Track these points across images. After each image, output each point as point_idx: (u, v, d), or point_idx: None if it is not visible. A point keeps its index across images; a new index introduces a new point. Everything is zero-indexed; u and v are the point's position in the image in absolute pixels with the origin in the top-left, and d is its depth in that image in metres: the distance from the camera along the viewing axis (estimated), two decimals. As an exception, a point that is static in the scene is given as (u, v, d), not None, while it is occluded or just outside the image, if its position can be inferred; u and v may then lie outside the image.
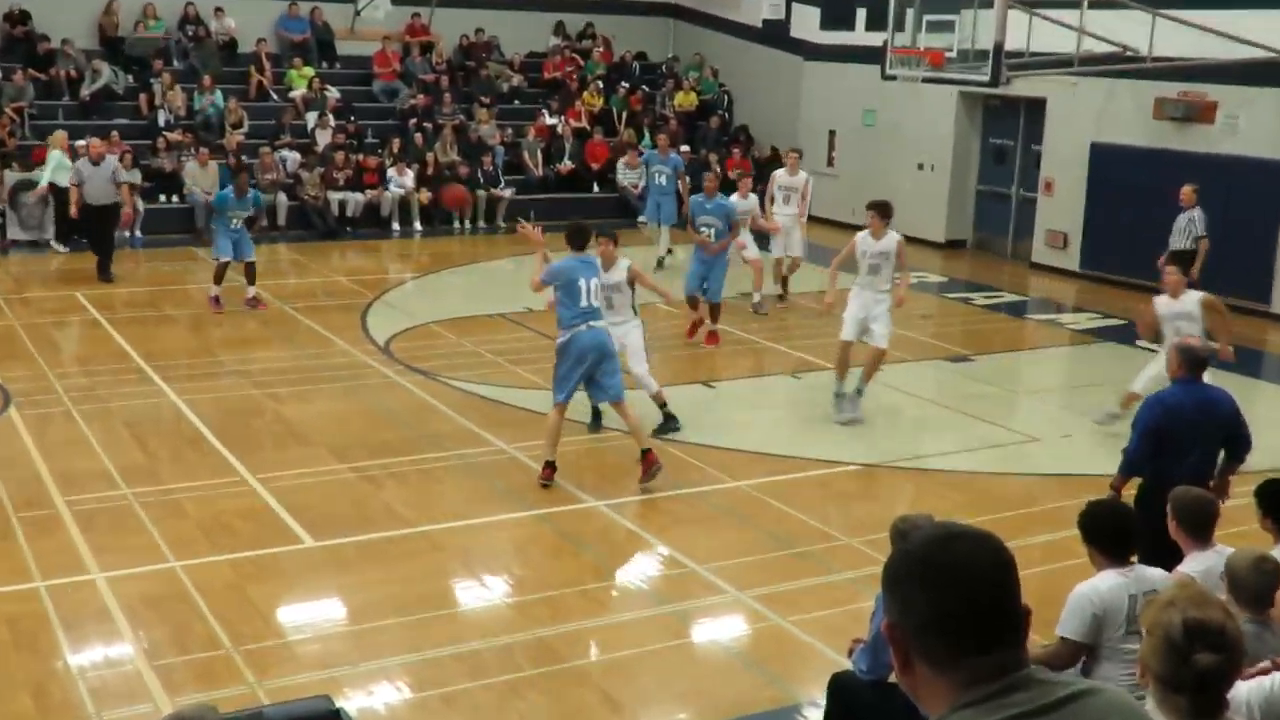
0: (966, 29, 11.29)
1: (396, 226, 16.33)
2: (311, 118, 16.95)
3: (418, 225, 16.42)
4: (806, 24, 18.29)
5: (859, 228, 9.08)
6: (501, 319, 11.68)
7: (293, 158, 16.28)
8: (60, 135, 14.12)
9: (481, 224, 16.77)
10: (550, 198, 17.09)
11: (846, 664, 4.57)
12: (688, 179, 14.27)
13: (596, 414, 8.44)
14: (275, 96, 17.52)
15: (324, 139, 16.62)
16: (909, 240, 9.45)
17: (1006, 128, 15.87)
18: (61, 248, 14.02)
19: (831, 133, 17.83)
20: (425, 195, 16.42)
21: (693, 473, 7.74)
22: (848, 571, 6.32)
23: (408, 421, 8.62)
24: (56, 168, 13.62)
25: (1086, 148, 14.29)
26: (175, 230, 15.22)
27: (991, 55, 11.11)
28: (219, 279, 11.56)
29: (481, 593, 6.08)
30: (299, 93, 17.36)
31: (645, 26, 20.90)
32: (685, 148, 17.72)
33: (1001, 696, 1.51)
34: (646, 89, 19.83)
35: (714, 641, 5.72)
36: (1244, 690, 3.06)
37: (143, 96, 16.54)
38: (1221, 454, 5.67)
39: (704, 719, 5.09)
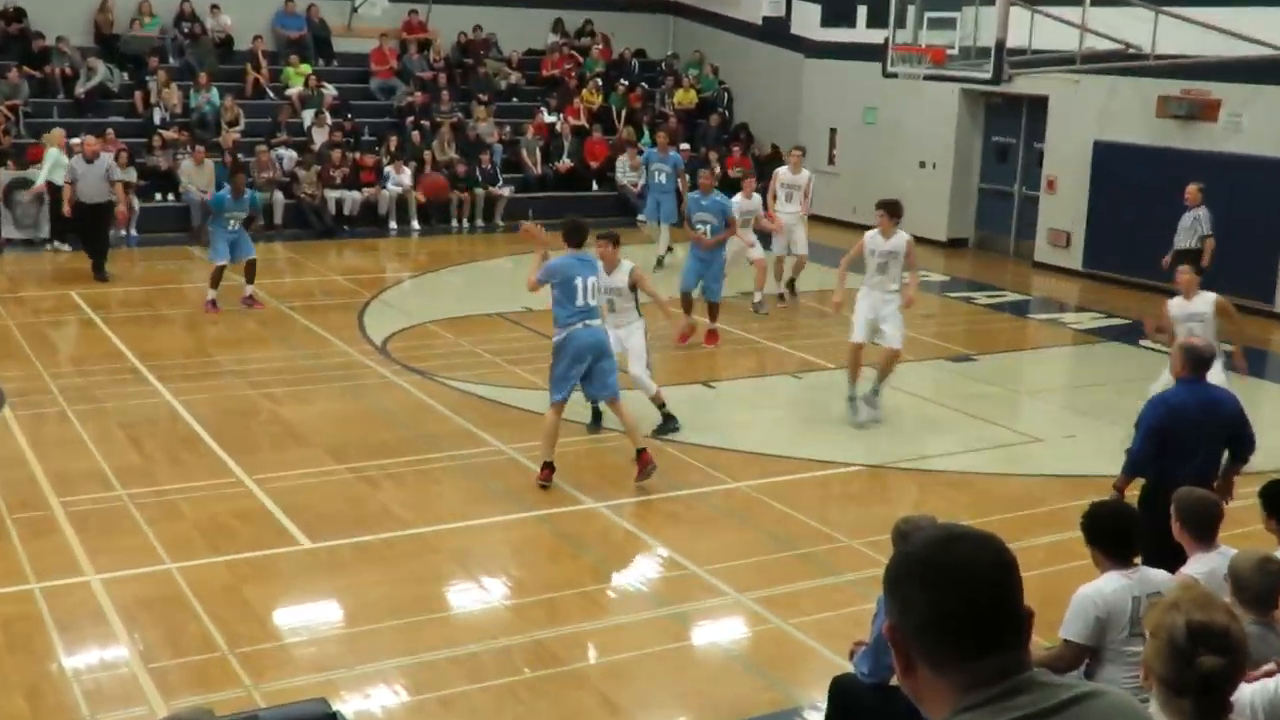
0: (968, 26, 11.24)
1: (394, 225, 16.28)
2: (308, 115, 16.89)
3: (415, 224, 16.37)
4: (807, 21, 18.23)
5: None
6: (499, 318, 11.65)
7: (289, 156, 16.22)
8: (58, 133, 14.05)
9: (479, 222, 16.73)
10: (549, 196, 17.05)
11: (847, 667, 4.55)
12: (687, 177, 14.22)
13: (596, 414, 8.41)
14: (271, 94, 17.46)
15: (321, 137, 16.56)
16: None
17: (1009, 126, 15.83)
18: (65, 247, 13.89)
19: (832, 131, 17.79)
20: (423, 194, 16.37)
21: (692, 473, 7.71)
22: (849, 573, 6.29)
23: (405, 422, 8.58)
24: (53, 166, 13.53)
25: (1089, 146, 14.24)
26: (171, 229, 15.17)
27: (993, 52, 11.07)
28: (215, 283, 11.50)
29: (479, 595, 6.05)
30: (295, 90, 17.30)
31: (644, 23, 20.85)
32: (685, 146, 17.66)
33: (1004, 699, 1.50)
34: (646, 86, 19.77)
35: (714, 644, 5.69)
36: (1248, 693, 3.05)
37: (138, 94, 16.48)
38: (1225, 455, 5.64)
39: (704, 722, 5.06)
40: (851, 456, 8.15)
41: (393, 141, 16.59)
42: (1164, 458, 5.41)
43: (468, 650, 5.38)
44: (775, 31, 18.87)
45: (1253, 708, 3.06)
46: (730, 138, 18.74)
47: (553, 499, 7.22)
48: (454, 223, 16.61)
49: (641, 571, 6.51)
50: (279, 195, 15.66)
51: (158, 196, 15.45)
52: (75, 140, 13.63)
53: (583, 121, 18.48)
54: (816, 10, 18.08)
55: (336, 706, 4.78)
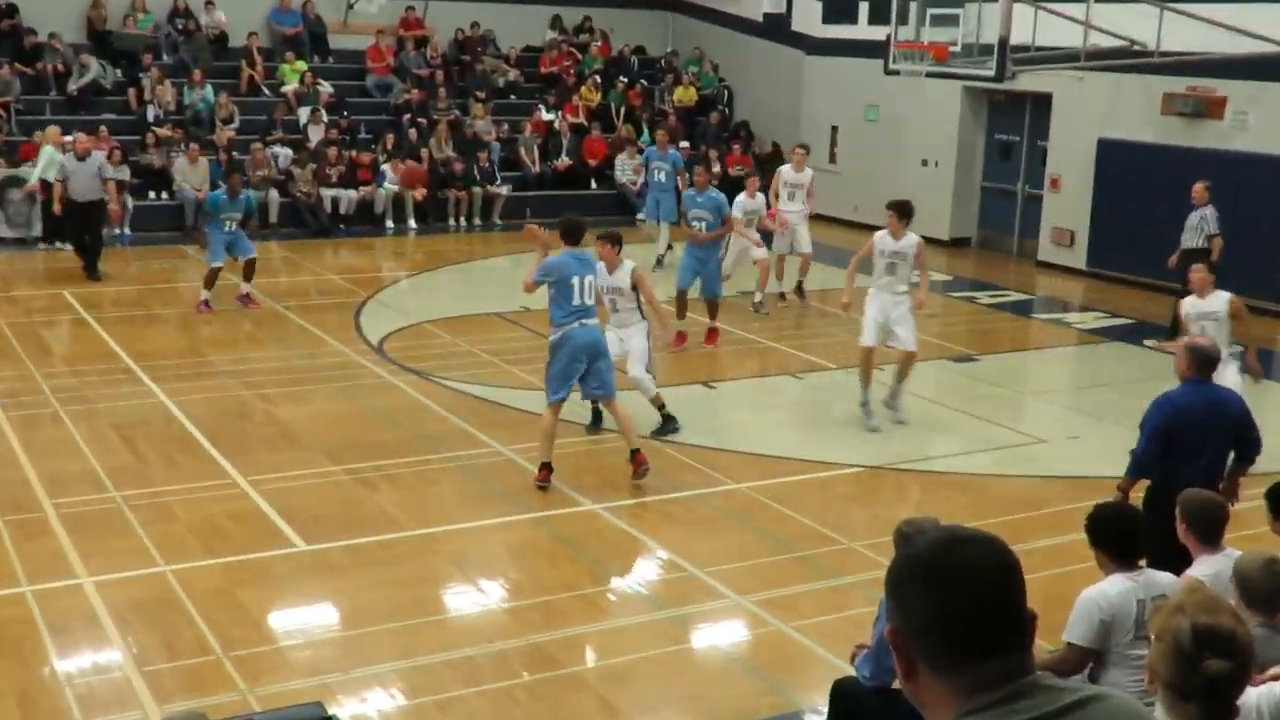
0: (971, 23, 11.21)
1: (390, 224, 16.22)
2: (304, 113, 16.82)
3: (412, 223, 16.31)
4: (808, 17, 18.15)
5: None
6: (497, 318, 11.60)
7: (285, 154, 16.14)
8: (53, 131, 13.93)
9: (477, 221, 16.67)
10: (547, 194, 16.98)
11: (849, 670, 4.53)
12: (687, 175, 14.17)
13: (597, 415, 8.36)
14: (267, 91, 17.39)
15: (316, 135, 16.49)
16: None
17: (1012, 123, 15.76)
18: (67, 246, 13.63)
19: (834, 128, 17.71)
20: (420, 192, 16.30)
21: (692, 475, 7.68)
22: (850, 576, 6.26)
23: (402, 423, 8.54)
24: (48, 164, 13.42)
25: (1093, 144, 14.16)
26: (165, 228, 15.09)
27: (996, 50, 11.04)
28: (210, 283, 11.43)
29: (477, 597, 6.02)
30: (291, 87, 17.21)
31: (644, 20, 20.78)
32: (685, 144, 17.60)
33: (1007, 703, 1.49)
34: (645, 84, 19.69)
35: (714, 647, 5.67)
36: (1254, 696, 3.03)
37: (132, 91, 16.39)
38: (1231, 456, 5.60)
39: (704, 727, 5.03)
40: (853, 458, 8.12)
41: (389, 139, 16.51)
42: (1169, 459, 5.39)
43: (465, 654, 5.35)
44: (776, 28, 18.79)
45: (1259, 711, 3.04)
46: (730, 136, 18.68)
47: (551, 500, 7.18)
48: (451, 221, 16.54)
49: (640, 574, 6.48)
50: (274, 194, 15.58)
51: (151, 195, 15.37)
52: (68, 138, 13.53)
53: (581, 119, 18.41)
54: (818, 7, 18.01)
55: (332, 710, 4.75)
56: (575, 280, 7.18)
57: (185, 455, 7.74)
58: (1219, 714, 2.48)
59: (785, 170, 12.63)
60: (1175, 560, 4.38)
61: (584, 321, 7.20)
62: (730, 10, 19.68)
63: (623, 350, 8.05)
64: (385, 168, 16.31)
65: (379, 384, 9.44)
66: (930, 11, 11.65)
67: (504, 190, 16.86)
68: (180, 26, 17.43)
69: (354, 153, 16.35)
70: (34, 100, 15.92)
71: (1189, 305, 7.71)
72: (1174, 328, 10.45)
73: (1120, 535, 4.13)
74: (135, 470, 7.44)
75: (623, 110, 18.89)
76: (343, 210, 16.02)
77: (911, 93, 15.58)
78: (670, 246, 13.89)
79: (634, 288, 8.02)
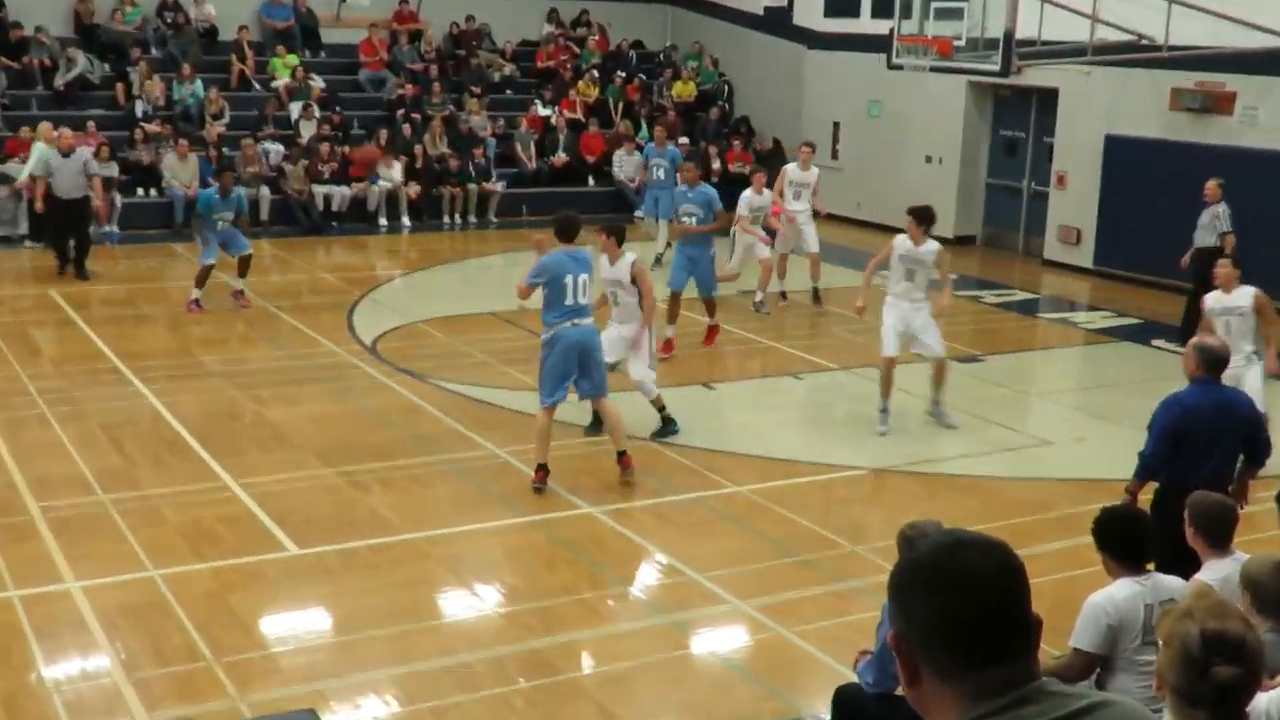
0: (976, 16, 11.15)
1: (384, 221, 16.12)
2: (295, 108, 16.70)
3: (406, 220, 16.21)
4: (810, 11, 18.04)
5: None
6: (492, 317, 11.52)
7: (276, 150, 16.01)
8: (45, 127, 13.72)
9: (472, 219, 16.58)
10: (543, 191, 16.88)
11: (852, 676, 4.49)
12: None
13: (596, 417, 8.26)
14: (258, 86, 17.26)
15: (308, 130, 16.37)
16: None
17: (1017, 119, 15.66)
18: (39, 245, 13.50)
19: (836, 124, 17.63)
20: (414, 189, 16.18)
21: (692, 477, 7.63)
22: (853, 580, 6.22)
23: (396, 424, 8.48)
24: (39, 161, 13.25)
25: (1100, 140, 14.06)
26: (153, 225, 14.98)
27: (1002, 44, 10.99)
28: (201, 283, 11.33)
29: (472, 602, 5.98)
30: (282, 82, 17.09)
31: (642, 13, 20.69)
32: (684, 140, 17.52)
33: (1012, 710, 1.49)
34: (643, 78, 19.60)
35: (713, 653, 5.63)
36: (1263, 701, 3.02)
37: (119, 86, 16.24)
38: (1241, 458, 5.56)
39: (704, 734, 5.00)
40: (855, 460, 8.07)
41: (383, 135, 16.40)
42: (1178, 460, 5.37)
43: (461, 659, 5.32)
44: (777, 22, 18.68)
45: (1268, 716, 3.04)
46: (731, 132, 18.61)
47: (548, 503, 7.13)
48: (446, 219, 16.44)
49: (639, 578, 6.45)
50: (265, 190, 15.46)
51: (140, 192, 15.24)
52: (54, 134, 13.36)
53: (578, 115, 18.31)
54: (819, 0, 17.91)
55: (325, 718, 4.69)
56: (569, 279, 7.12)
57: (175, 457, 7.67)
58: (1228, 720, 2.45)
59: (791, 169, 12.48)
60: (1184, 564, 4.36)
61: (576, 322, 7.15)
62: (730, 3, 19.58)
63: (620, 353, 7.97)
64: (379, 164, 16.19)
65: (372, 384, 9.37)
66: (934, 5, 11.58)
67: (499, 187, 16.77)
68: (169, 20, 17.30)
69: (346, 149, 16.25)
70: (20, 95, 15.79)
71: (1213, 300, 7.65)
72: (1185, 327, 10.40)
73: (1127, 538, 4.10)
74: (124, 472, 7.38)
75: (621, 105, 18.81)
76: (335, 207, 15.91)
77: (915, 88, 15.51)
78: (670, 244, 13.79)
79: (634, 281, 7.93)
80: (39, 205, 12.63)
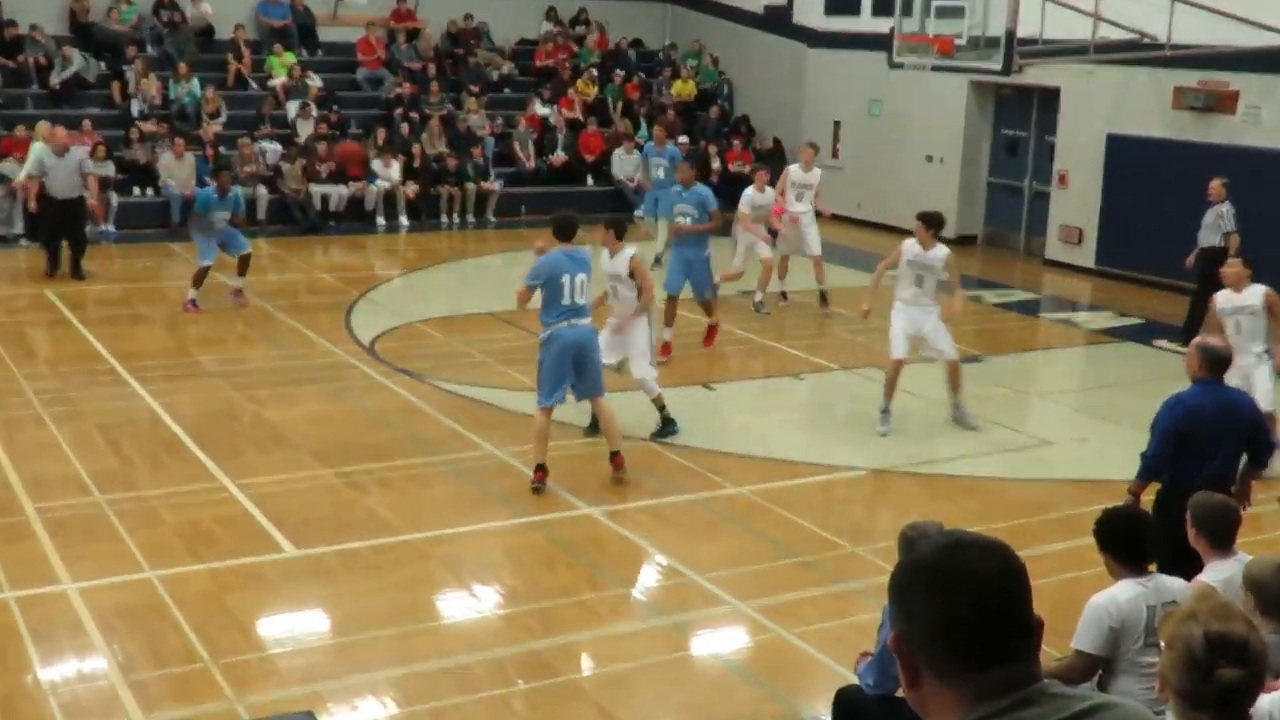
0: (977, 15, 11.11)
1: (381, 221, 16.07)
2: (292, 107, 16.65)
3: (404, 220, 16.17)
4: (810, 10, 18.00)
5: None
6: (491, 317, 11.49)
7: (273, 149, 15.97)
8: (44, 126, 13.65)
9: (470, 218, 16.54)
10: (542, 191, 16.84)
11: (852, 678, 4.49)
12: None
13: (595, 417, 8.23)
14: (254, 85, 17.21)
15: (306, 129, 16.32)
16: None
17: (1019, 118, 15.62)
18: (33, 244, 13.38)
19: (836, 123, 17.57)
20: (412, 189, 16.15)
21: (692, 478, 7.61)
22: (854, 581, 6.20)
23: (394, 424, 8.45)
24: (35, 160, 13.19)
25: (1102, 139, 14.01)
26: (150, 225, 14.93)
27: (1003, 42, 10.96)
28: (198, 283, 11.29)
29: (471, 603, 5.96)
30: (279, 81, 17.04)
31: (641, 12, 20.64)
32: (684, 139, 17.48)
33: (1013, 712, 1.48)
34: (643, 77, 19.55)
35: (714, 654, 5.62)
36: (1266, 704, 3.01)
37: (115, 85, 16.19)
38: (1244, 459, 5.55)
39: (704, 736, 4.99)
40: (856, 460, 8.04)
41: (380, 134, 16.36)
42: (1180, 461, 5.36)
43: (459, 661, 5.30)
44: (777, 20, 18.64)
45: (1271, 718, 3.02)
46: (731, 131, 18.57)
47: (547, 504, 7.11)
48: (444, 218, 16.40)
49: (639, 579, 6.44)
50: (262, 190, 15.41)
51: (136, 191, 15.18)
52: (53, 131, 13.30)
53: (577, 114, 18.26)
54: (820, -2, 17.91)
55: (323, 719, 4.65)
56: (566, 279, 7.09)
57: (171, 458, 7.64)
58: (1232, 723, 2.44)
59: (793, 170, 12.39)
60: (1186, 565, 4.35)
61: (573, 322, 7.13)
62: (731, 2, 19.52)
63: (619, 355, 7.95)
64: (376, 163, 16.15)
65: (370, 385, 9.34)
66: (935, 3, 11.54)
67: (498, 186, 16.73)
68: (165, 18, 17.23)
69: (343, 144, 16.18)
70: (15, 94, 15.72)
71: (1223, 300, 7.63)
72: (1189, 327, 10.37)
73: (1129, 540, 4.10)
74: (120, 473, 7.35)
75: (620, 104, 18.77)
76: (332, 207, 15.87)
77: (916, 87, 15.48)
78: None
79: (632, 275, 7.91)
80: (32, 205, 12.56)
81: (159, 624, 5.49)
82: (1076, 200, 14.50)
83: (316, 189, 15.74)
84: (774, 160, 16.07)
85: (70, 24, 16.86)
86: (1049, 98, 14.85)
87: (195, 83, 16.36)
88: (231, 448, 7.81)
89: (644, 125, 18.14)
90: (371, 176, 16.08)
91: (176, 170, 15.01)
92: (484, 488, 7.34)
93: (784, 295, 12.29)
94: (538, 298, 7.31)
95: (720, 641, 5.72)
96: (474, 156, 16.63)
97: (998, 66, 11.16)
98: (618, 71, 19.18)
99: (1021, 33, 11.07)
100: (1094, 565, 4.37)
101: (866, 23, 16.50)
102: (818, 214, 12.23)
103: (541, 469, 7.19)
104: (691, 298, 10.42)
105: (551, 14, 19.88)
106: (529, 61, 19.20)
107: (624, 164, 17.28)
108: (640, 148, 16.57)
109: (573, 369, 7.17)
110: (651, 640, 5.62)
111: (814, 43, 17.92)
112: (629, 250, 7.91)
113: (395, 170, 16.13)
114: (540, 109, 18.04)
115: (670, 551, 6.52)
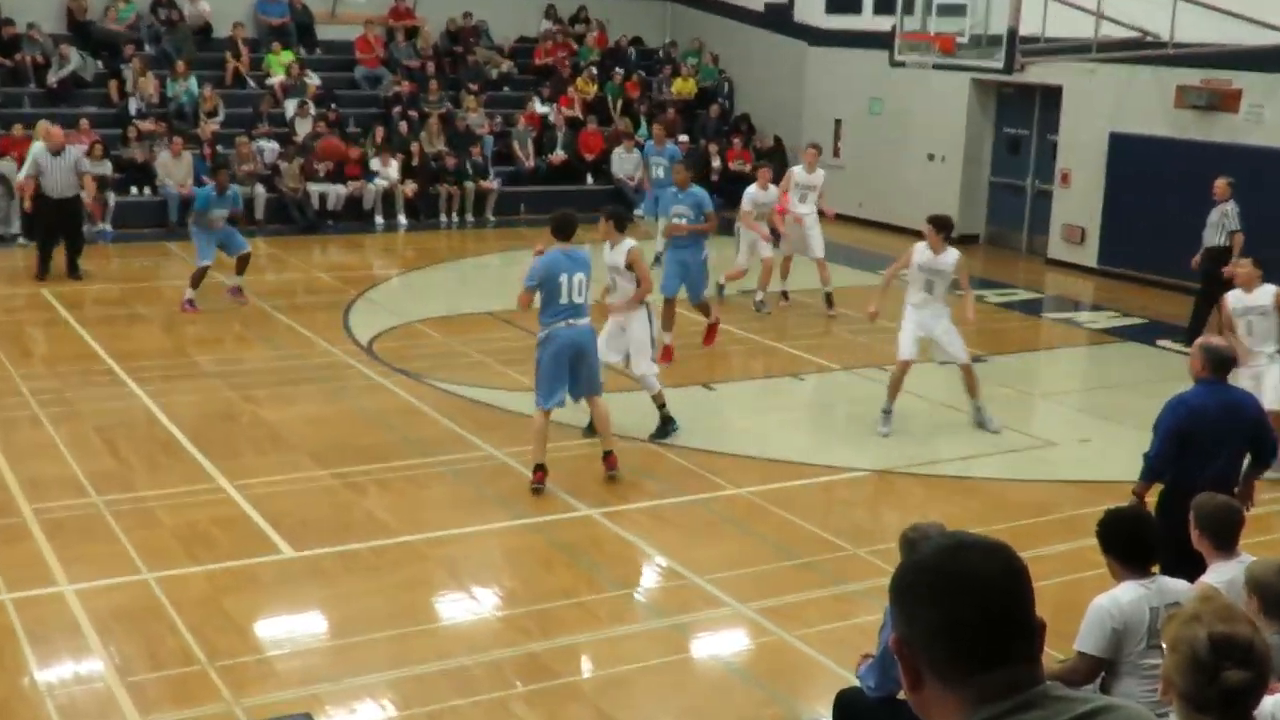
0: (979, 13, 11.07)
1: (380, 220, 16.04)
2: (291, 106, 16.61)
3: (402, 219, 16.13)
4: (811, 8, 17.95)
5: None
6: (490, 317, 11.46)
7: (271, 148, 15.93)
8: (44, 125, 13.59)
9: (469, 217, 16.50)
10: (541, 190, 16.81)
11: (853, 680, 4.48)
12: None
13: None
14: (252, 83, 17.17)
15: (304, 128, 16.29)
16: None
17: (1021, 117, 15.59)
18: (30, 244, 13.31)
19: (837, 122, 17.53)
20: (410, 187, 16.11)
21: (692, 479, 7.58)
22: (855, 583, 6.18)
23: (392, 425, 8.43)
24: (33, 160, 13.12)
25: (1105, 138, 13.98)
26: (147, 224, 14.89)
27: (1005, 41, 10.91)
28: (196, 283, 11.25)
29: (470, 605, 5.94)
30: (277, 79, 17.00)
31: (641, 10, 20.59)
32: (684, 138, 17.43)
33: (1015, 714, 1.48)
34: (643, 75, 19.50)
35: (714, 657, 5.60)
36: (1270, 704, 2.99)
37: (113, 83, 16.13)
38: (1247, 459, 5.53)
39: (705, 739, 4.97)
40: (857, 461, 8.02)
41: (379, 133, 16.33)
42: (1183, 462, 5.35)
43: (458, 663, 5.28)
44: (778, 18, 18.59)
45: (1274, 719, 3.01)
46: (731, 129, 18.53)
47: (547, 505, 7.09)
48: (443, 217, 16.37)
49: (639, 581, 6.42)
50: (260, 189, 15.37)
51: (133, 190, 15.14)
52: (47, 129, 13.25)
53: (577, 112, 18.22)
54: (821, -4, 17.87)
55: (321, 724, 4.63)
56: (564, 278, 7.07)
57: (169, 459, 7.62)
58: (1236, 725, 2.43)
59: (796, 171, 12.29)
60: (1189, 566, 4.35)
61: (571, 321, 7.10)
62: (731, 0, 19.50)
63: (625, 345, 7.92)
64: (375, 162, 16.11)
65: (368, 385, 9.31)
66: (937, 1, 11.49)
67: (497, 185, 16.69)
68: (163, 16, 17.17)
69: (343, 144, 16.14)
70: (11, 93, 15.68)
71: (1234, 299, 7.61)
72: (1193, 327, 10.35)
73: (1132, 541, 4.09)
74: (117, 474, 7.33)
75: (619, 103, 18.73)
76: (330, 206, 15.83)
77: (917, 85, 15.45)
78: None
79: (629, 267, 7.87)
80: (27, 205, 12.51)
81: (156, 625, 5.47)
82: (1079, 199, 14.46)
83: (314, 188, 15.70)
84: (774, 159, 16.03)
85: (68, 22, 16.81)
86: (1051, 96, 14.82)
87: (193, 81, 16.32)
88: (229, 448, 7.79)
89: (644, 124, 18.09)
90: (370, 175, 16.04)
91: (174, 169, 14.96)
92: (482, 489, 7.32)
93: (785, 295, 12.25)
94: (538, 298, 7.29)
95: (720, 643, 5.70)
96: (473, 155, 16.59)
97: (999, 65, 11.11)
98: (617, 70, 19.14)
99: (1023, 31, 11.02)
100: (1096, 567, 4.35)
101: (868, 21, 16.45)
102: (821, 215, 12.19)
103: (541, 469, 7.17)
104: (685, 297, 10.42)
105: (551, 12, 19.83)
106: (528, 60, 19.16)
107: (624, 163, 17.24)
108: (640, 146, 16.53)
109: (569, 371, 7.15)
110: (651, 642, 5.60)
111: (815, 41, 17.88)
112: (628, 242, 7.88)
113: (394, 169, 16.10)
114: (540, 107, 18.00)
115: (670, 553, 6.50)
